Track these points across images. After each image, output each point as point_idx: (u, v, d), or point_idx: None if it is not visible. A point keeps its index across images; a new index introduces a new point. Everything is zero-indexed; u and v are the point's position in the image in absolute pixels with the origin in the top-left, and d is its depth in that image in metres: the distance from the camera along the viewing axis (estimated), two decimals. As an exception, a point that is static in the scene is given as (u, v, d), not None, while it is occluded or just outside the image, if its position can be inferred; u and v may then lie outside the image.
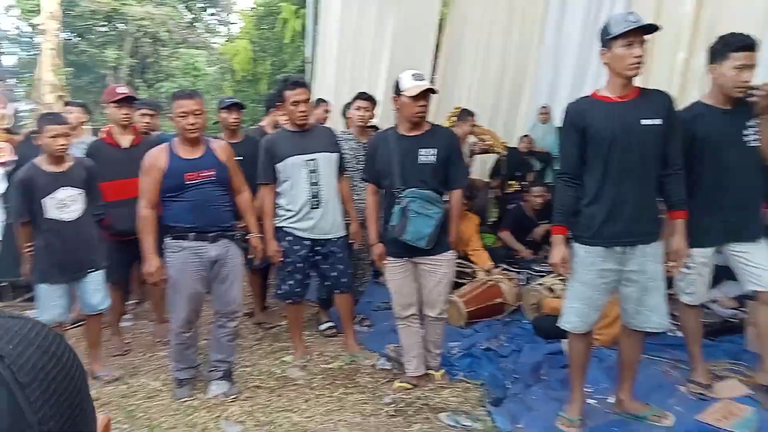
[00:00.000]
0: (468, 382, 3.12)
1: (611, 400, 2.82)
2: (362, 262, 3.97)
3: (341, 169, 3.48)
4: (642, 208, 2.43)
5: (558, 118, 7.18)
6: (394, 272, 3.04)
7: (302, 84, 3.37)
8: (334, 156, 3.42)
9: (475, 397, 2.97)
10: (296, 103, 3.28)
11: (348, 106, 4.29)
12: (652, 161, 2.40)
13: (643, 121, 2.35)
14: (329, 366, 3.34)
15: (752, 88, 2.66)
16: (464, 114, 5.28)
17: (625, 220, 2.40)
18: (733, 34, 2.65)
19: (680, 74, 8.08)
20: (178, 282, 2.91)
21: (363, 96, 3.99)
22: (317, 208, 3.33)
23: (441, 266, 2.99)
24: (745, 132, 2.73)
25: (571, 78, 7.51)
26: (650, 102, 2.40)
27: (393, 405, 2.87)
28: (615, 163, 2.37)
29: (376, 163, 3.03)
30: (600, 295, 2.51)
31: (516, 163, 6.20)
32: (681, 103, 7.53)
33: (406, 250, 2.95)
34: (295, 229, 3.35)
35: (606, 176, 2.39)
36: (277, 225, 3.38)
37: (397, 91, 2.90)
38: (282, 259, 3.38)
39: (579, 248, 2.49)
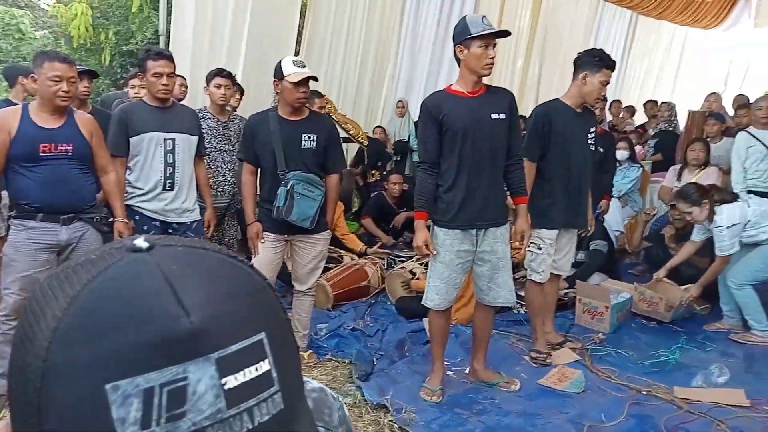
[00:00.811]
0: (336, 361, 3.19)
1: (467, 371, 3.08)
2: (226, 247, 3.83)
3: (199, 152, 3.32)
4: (492, 195, 2.69)
5: (414, 113, 7.59)
6: (268, 246, 3.01)
7: (167, 56, 3.14)
8: (194, 139, 3.23)
9: (344, 374, 3.06)
10: (158, 75, 3.04)
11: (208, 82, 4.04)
12: (500, 152, 2.68)
13: (492, 116, 2.61)
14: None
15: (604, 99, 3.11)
16: (313, 95, 5.25)
17: (478, 205, 2.65)
18: (603, 52, 3.08)
19: (519, 79, 8.99)
20: (12, 263, 2.58)
21: (223, 73, 3.78)
22: (170, 189, 3.13)
23: (317, 244, 3.06)
24: (589, 134, 3.16)
25: (425, 75, 7.96)
26: (497, 98, 2.67)
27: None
28: (468, 153, 2.60)
29: (256, 145, 2.96)
30: (458, 274, 2.73)
31: (377, 153, 6.41)
32: (520, 105, 8.34)
33: (285, 228, 2.96)
34: (143, 209, 3.12)
35: (461, 165, 2.62)
36: (125, 203, 3.12)
37: (279, 75, 2.88)
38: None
39: (438, 231, 2.69)
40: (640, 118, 8.58)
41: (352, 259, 4.41)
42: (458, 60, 2.63)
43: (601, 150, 3.99)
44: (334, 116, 5.85)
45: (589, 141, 3.17)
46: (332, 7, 6.90)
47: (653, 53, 11.14)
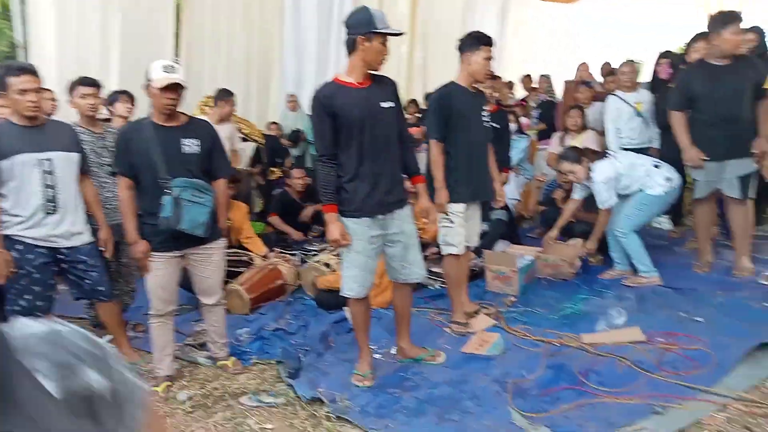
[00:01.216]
0: (262, 363, 3.14)
1: (393, 351, 3.15)
2: (125, 268, 3.61)
3: (84, 170, 3.08)
4: (393, 179, 2.77)
5: (306, 106, 7.53)
6: (160, 267, 2.83)
7: (30, 70, 2.86)
8: (75, 156, 2.99)
9: (272, 375, 3.01)
10: (23, 92, 2.77)
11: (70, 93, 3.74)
12: (393, 138, 2.76)
13: (382, 104, 2.68)
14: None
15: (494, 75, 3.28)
16: (222, 94, 5.04)
17: (382, 191, 2.71)
18: (479, 32, 3.27)
19: (406, 64, 9.19)
20: None
21: (86, 81, 3.49)
22: (53, 213, 2.89)
23: (214, 254, 2.95)
24: (483, 112, 3.33)
25: (314, 67, 7.92)
26: (383, 87, 2.75)
27: (189, 401, 2.74)
28: (367, 142, 2.65)
29: (132, 155, 2.78)
30: (372, 260, 2.79)
31: (275, 150, 6.30)
32: (409, 90, 8.49)
33: (176, 243, 2.81)
34: (25, 237, 2.87)
35: (362, 154, 2.66)
36: (3, 233, 2.84)
37: (148, 80, 2.75)
38: (15, 270, 2.86)
39: (347, 221, 2.70)
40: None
41: (263, 260, 4.32)
42: (350, 48, 2.63)
43: (497, 126, 4.21)
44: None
45: (484, 118, 3.34)
46: (207, 3, 6.66)
47: (527, 29, 11.79)
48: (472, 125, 3.28)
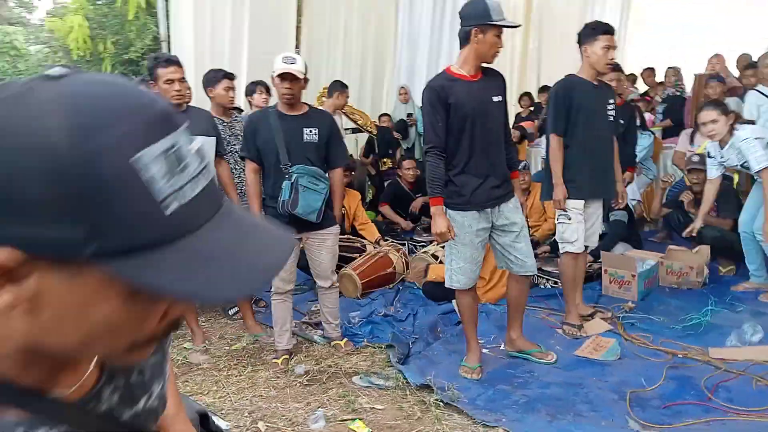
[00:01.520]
0: (373, 347, 3.24)
1: (502, 347, 3.12)
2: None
3: (219, 152, 3.34)
4: (501, 173, 2.75)
5: (417, 97, 7.59)
6: None
7: (176, 62, 3.15)
8: (212, 140, 3.27)
9: (382, 359, 3.10)
10: (170, 81, 3.06)
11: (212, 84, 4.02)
12: (501, 133, 2.75)
13: (494, 98, 2.67)
14: (232, 347, 3.25)
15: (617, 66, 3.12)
16: (336, 86, 5.18)
17: (491, 185, 2.70)
18: (597, 21, 3.16)
19: (519, 55, 8.95)
20: None
21: (230, 75, 3.76)
22: None
23: (328, 239, 3.07)
24: (608, 106, 3.18)
25: (426, 61, 7.95)
26: (494, 81, 2.73)
27: (306, 375, 2.90)
28: (478, 135, 2.64)
29: (258, 141, 2.97)
30: (478, 252, 2.78)
31: (387, 141, 6.42)
32: (522, 82, 8.28)
33: (295, 226, 2.95)
34: None
35: (472, 147, 2.65)
36: None
37: (271, 72, 2.94)
38: None
39: (455, 214, 2.71)
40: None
41: (374, 247, 4.44)
42: (464, 39, 2.63)
43: (622, 122, 4.01)
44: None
45: (608, 113, 3.19)
46: (324, 3, 6.89)
47: (652, 19, 11.05)
48: (595, 119, 3.16)
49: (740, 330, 3.06)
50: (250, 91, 4.33)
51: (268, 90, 4.29)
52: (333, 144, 3.05)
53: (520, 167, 3.71)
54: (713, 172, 3.72)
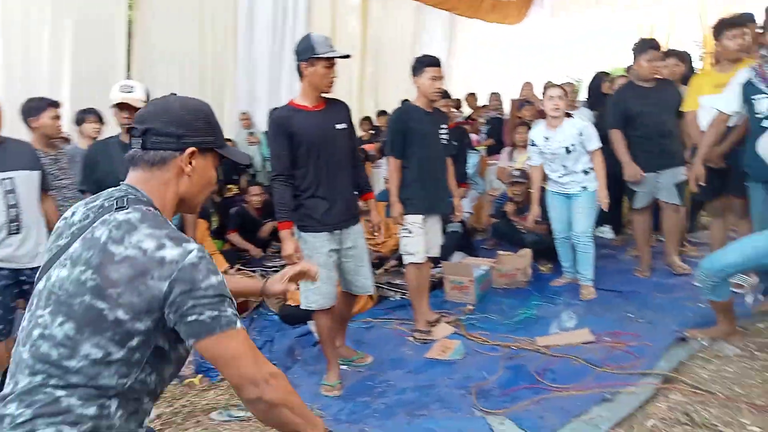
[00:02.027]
0: (230, 379, 3.16)
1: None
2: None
3: (44, 188, 3.07)
4: (348, 196, 2.96)
5: (260, 124, 7.58)
6: None
7: None
8: (36, 174, 2.98)
9: (241, 390, 3.04)
10: None
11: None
12: (346, 158, 2.94)
13: (337, 126, 2.87)
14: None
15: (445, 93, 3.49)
16: None
17: (339, 208, 2.88)
18: (425, 55, 3.50)
19: (357, 82, 9.36)
20: None
21: (55, 103, 3.48)
22: (17, 233, 2.88)
23: None
24: (441, 130, 3.54)
25: (266, 87, 7.98)
26: (337, 110, 2.94)
27: (158, 420, 2.74)
28: (323, 161, 2.82)
29: (98, 173, 2.81)
30: (332, 272, 2.92)
31: (232, 167, 6.31)
32: (361, 107, 8.65)
33: None
34: None
35: (318, 173, 2.82)
36: None
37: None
38: None
39: (308, 236, 2.85)
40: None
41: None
42: (299, 74, 2.81)
43: (455, 143, 4.43)
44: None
45: (441, 136, 3.54)
46: (158, 26, 6.63)
47: (473, 49, 12.24)
48: (429, 142, 3.47)
49: (559, 319, 3.53)
50: (79, 120, 4.02)
51: (100, 119, 4.03)
52: None
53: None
54: (536, 159, 4.13)
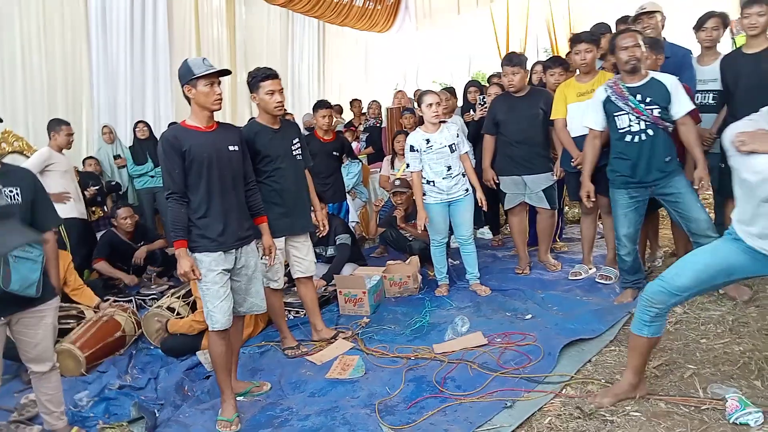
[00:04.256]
0: (111, 427, 2.85)
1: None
2: None
3: None
4: (241, 216, 2.92)
5: (123, 136, 6.99)
6: None
7: None
8: None
9: (126, 438, 2.76)
10: None
11: None
12: (239, 179, 2.92)
13: (230, 147, 2.86)
14: None
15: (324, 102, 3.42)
16: (53, 124, 4.96)
17: (233, 227, 2.84)
18: (256, 69, 3.39)
19: (230, 89, 8.99)
20: None
21: None
22: None
23: (48, 315, 2.62)
24: (293, 147, 3.48)
25: (129, 98, 7.38)
26: (229, 132, 2.94)
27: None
28: (216, 181, 2.79)
29: None
30: (228, 290, 2.83)
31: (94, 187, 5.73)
32: (234, 114, 8.35)
33: (3, 308, 2.46)
34: None
35: (210, 193, 2.78)
36: None
37: None
38: None
39: (201, 256, 2.76)
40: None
41: (95, 312, 3.92)
42: (188, 99, 2.79)
43: (336, 153, 4.38)
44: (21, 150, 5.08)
45: (294, 152, 3.49)
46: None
47: (343, 57, 12.31)
48: (278, 160, 3.40)
49: (453, 323, 3.61)
50: None
51: None
52: (39, 202, 2.64)
53: None
54: (415, 165, 4.16)
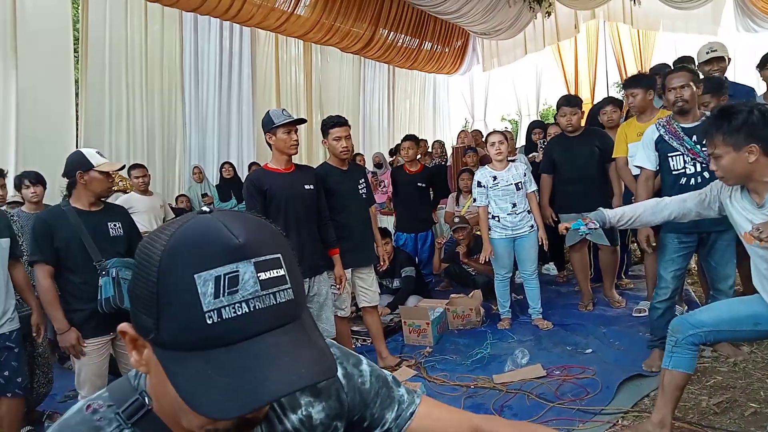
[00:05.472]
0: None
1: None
2: (41, 358, 3.52)
3: (14, 254, 3.05)
4: (314, 248, 3.28)
5: (211, 176, 7.66)
6: (96, 354, 2.85)
7: None
8: (5, 241, 2.98)
9: None
10: None
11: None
12: (313, 214, 3.32)
13: (306, 186, 3.26)
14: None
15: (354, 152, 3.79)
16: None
17: (308, 258, 3.18)
18: (330, 116, 3.74)
19: (306, 129, 9.57)
20: None
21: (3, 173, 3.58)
22: None
23: None
24: (359, 187, 3.79)
25: (216, 141, 8.10)
26: (306, 173, 3.36)
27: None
28: (292, 216, 3.18)
29: (57, 241, 2.78)
30: None
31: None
32: (309, 153, 8.85)
33: (111, 325, 2.86)
34: None
35: (288, 226, 3.16)
36: None
37: (87, 166, 2.85)
38: None
39: None
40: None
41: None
42: (269, 144, 3.21)
43: (422, 185, 5.38)
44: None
45: (360, 191, 3.80)
46: (105, 86, 6.68)
47: (412, 97, 12.79)
48: (346, 199, 3.70)
49: (513, 356, 3.74)
50: (17, 185, 4.04)
51: (40, 181, 4.04)
52: (134, 235, 3.06)
53: None
54: (482, 200, 4.38)
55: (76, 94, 6.55)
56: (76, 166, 2.84)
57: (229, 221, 0.63)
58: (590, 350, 3.76)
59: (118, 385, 0.75)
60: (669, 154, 3.27)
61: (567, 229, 2.73)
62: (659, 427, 2.46)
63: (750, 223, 2.19)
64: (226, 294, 0.58)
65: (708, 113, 3.30)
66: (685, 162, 3.21)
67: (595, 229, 2.71)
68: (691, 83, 3.18)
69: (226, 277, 0.59)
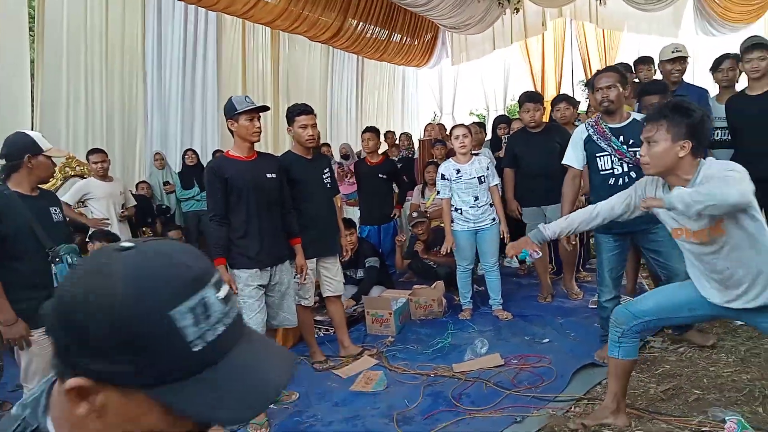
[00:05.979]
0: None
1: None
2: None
3: None
4: (277, 237, 3.26)
5: (173, 163, 7.50)
6: (47, 344, 2.78)
7: None
8: None
9: None
10: None
11: None
12: (275, 203, 3.27)
13: (267, 175, 3.21)
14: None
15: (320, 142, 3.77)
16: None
17: (269, 247, 3.19)
18: (295, 104, 3.70)
19: (272, 119, 9.46)
20: None
21: None
22: None
23: None
24: (324, 176, 3.78)
25: (179, 127, 7.93)
26: (268, 161, 3.31)
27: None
28: (254, 205, 3.14)
29: (4, 228, 2.58)
30: (263, 303, 3.19)
31: (147, 210, 6.19)
32: (276, 142, 8.72)
33: None
34: None
35: (249, 215, 3.14)
36: None
37: (36, 150, 2.72)
38: None
39: (239, 272, 3.12)
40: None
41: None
42: (231, 131, 3.15)
43: (383, 176, 5.31)
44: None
45: (324, 180, 3.78)
46: (63, 67, 6.46)
47: (381, 89, 12.76)
48: (311, 189, 3.70)
49: (473, 345, 3.80)
50: None
51: None
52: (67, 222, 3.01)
53: None
54: (445, 192, 4.43)
55: (32, 75, 6.31)
56: (25, 149, 2.72)
57: (171, 253, 0.65)
58: (547, 340, 3.85)
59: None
60: (597, 154, 3.28)
61: (515, 256, 2.76)
62: (615, 410, 2.58)
63: (674, 220, 2.30)
64: (202, 321, 0.62)
65: (635, 114, 3.32)
66: (612, 162, 3.22)
67: (539, 257, 2.79)
68: (618, 84, 3.20)
69: (198, 305, 0.62)
